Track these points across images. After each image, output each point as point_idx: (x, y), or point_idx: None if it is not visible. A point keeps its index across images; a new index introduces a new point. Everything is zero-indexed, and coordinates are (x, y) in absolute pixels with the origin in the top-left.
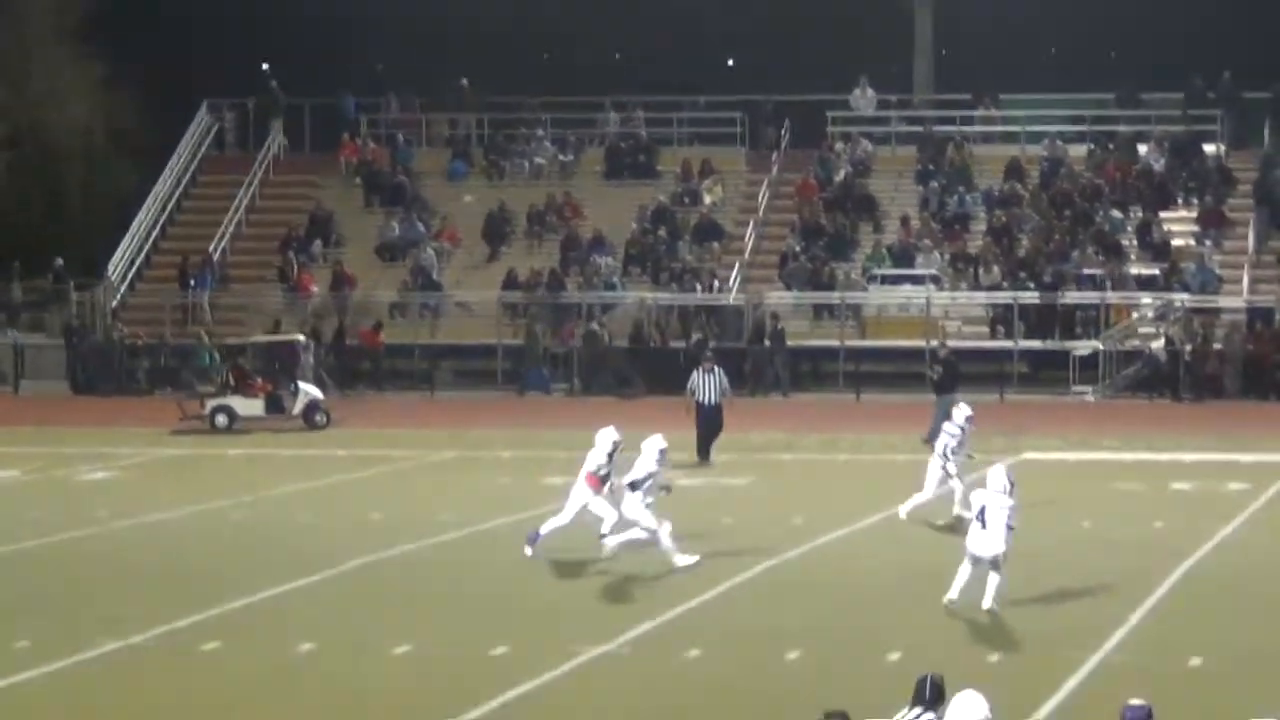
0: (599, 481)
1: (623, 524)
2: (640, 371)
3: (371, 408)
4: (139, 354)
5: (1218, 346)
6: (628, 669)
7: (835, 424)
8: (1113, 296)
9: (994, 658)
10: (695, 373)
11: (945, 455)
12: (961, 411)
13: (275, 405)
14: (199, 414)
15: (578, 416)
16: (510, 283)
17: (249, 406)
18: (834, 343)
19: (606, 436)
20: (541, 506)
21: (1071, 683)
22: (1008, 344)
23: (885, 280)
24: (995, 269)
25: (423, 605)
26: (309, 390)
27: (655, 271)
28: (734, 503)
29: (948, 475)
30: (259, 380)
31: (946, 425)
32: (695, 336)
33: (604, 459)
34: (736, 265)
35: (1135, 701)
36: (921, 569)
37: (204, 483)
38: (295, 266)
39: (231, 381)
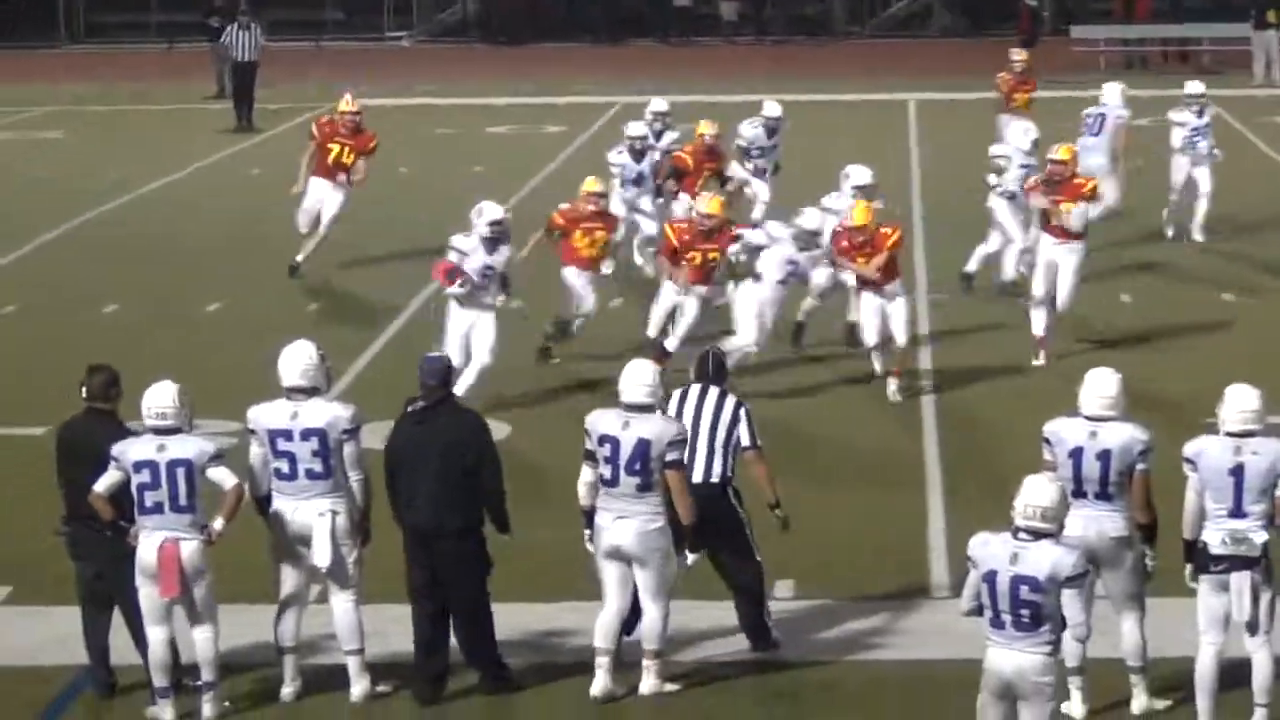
0: None
1: None
2: None
3: None
4: None
5: None
6: None
7: (147, 75)
8: None
9: (312, 307)
10: (229, 28)
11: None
12: None
13: None
14: None
15: None
16: None
17: None
18: None
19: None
20: None
21: (391, 329)
22: None
23: None
24: None
25: None
26: None
27: None
28: (47, 156)
29: None
30: None
31: None
32: None
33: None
34: None
35: (434, 353)
36: (236, 220)
37: None
38: None
39: None
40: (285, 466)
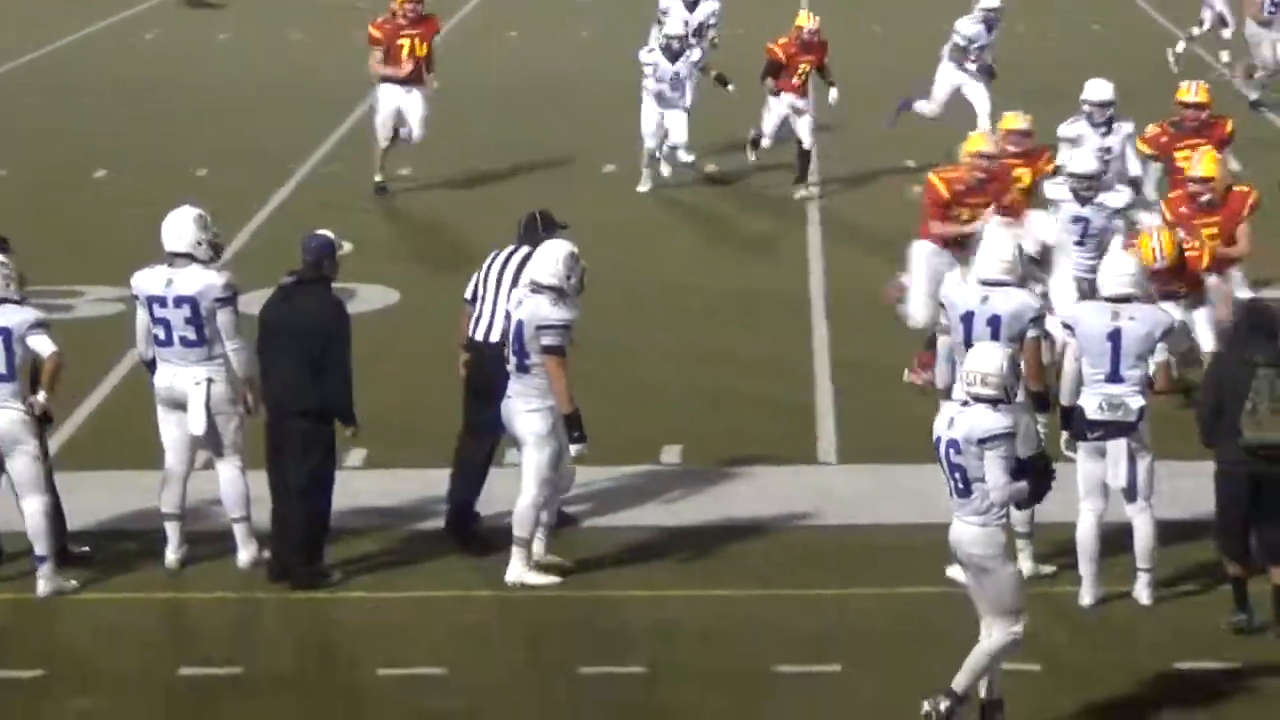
0: None
1: None
2: None
3: None
4: None
5: None
6: None
7: None
8: None
9: (201, 173)
10: None
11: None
12: None
13: None
14: None
15: None
16: None
17: None
18: None
19: None
20: None
21: (281, 194)
22: None
23: None
24: None
25: None
26: None
27: None
28: None
29: None
30: None
31: None
32: None
33: None
34: None
35: (320, 231)
36: (128, 87)
37: None
38: None
39: None
40: (162, 333)
